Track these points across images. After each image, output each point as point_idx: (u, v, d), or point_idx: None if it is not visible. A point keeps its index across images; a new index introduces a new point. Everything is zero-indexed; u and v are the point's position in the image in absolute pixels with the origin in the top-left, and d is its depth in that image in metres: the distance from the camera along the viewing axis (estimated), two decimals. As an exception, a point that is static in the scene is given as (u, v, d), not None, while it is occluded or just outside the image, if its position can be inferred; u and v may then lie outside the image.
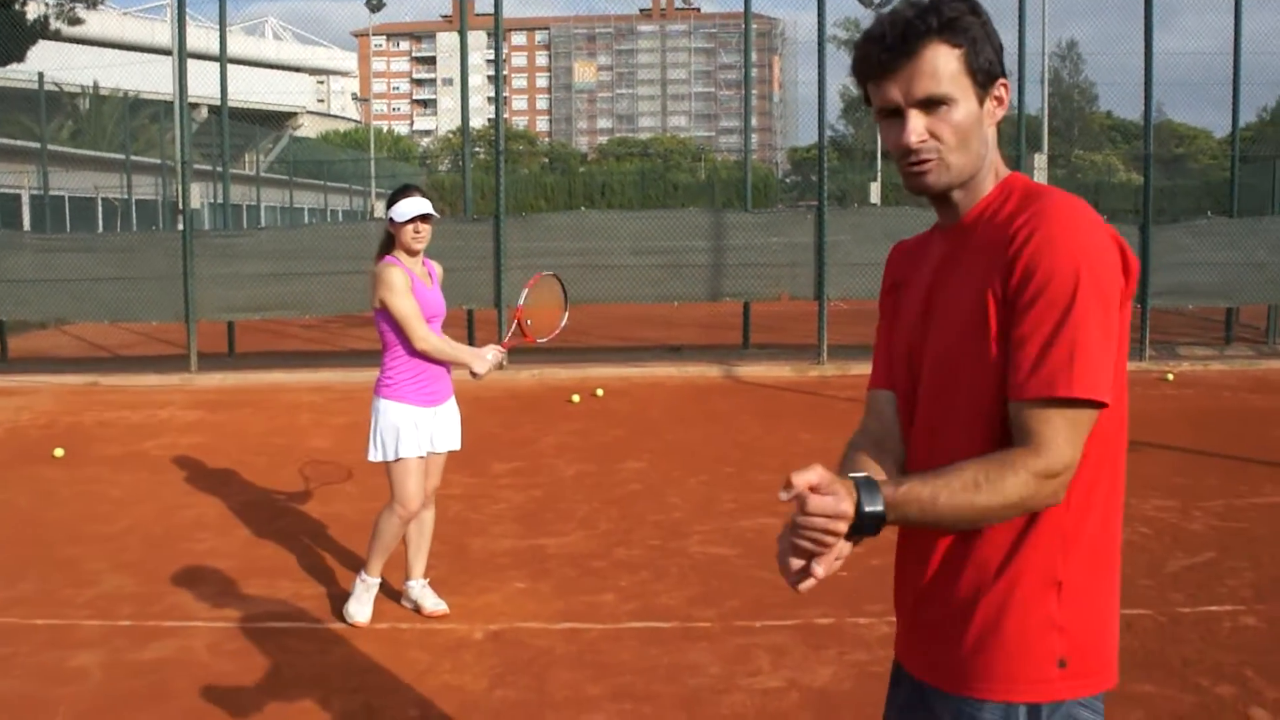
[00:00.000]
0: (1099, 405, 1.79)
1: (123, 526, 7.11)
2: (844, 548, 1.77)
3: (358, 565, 6.18)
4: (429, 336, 5.21)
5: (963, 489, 1.77)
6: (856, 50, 1.96)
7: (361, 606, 5.33)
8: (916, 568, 2.02)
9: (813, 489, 1.71)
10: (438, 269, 5.55)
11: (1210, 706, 4.38)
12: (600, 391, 11.83)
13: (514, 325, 5.47)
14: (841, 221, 14.18)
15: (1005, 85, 1.96)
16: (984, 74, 1.92)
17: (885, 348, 2.22)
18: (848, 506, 1.71)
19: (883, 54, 1.90)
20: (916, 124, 1.91)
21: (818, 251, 13.68)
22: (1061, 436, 1.77)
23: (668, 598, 5.69)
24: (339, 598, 5.69)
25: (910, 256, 2.18)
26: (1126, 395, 1.93)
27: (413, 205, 5.20)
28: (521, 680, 4.70)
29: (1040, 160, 17.72)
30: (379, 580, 5.40)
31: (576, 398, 11.46)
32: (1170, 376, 11.98)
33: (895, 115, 1.93)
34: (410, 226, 5.21)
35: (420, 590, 5.48)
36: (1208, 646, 4.96)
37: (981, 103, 1.93)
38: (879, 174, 46.38)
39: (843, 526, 1.71)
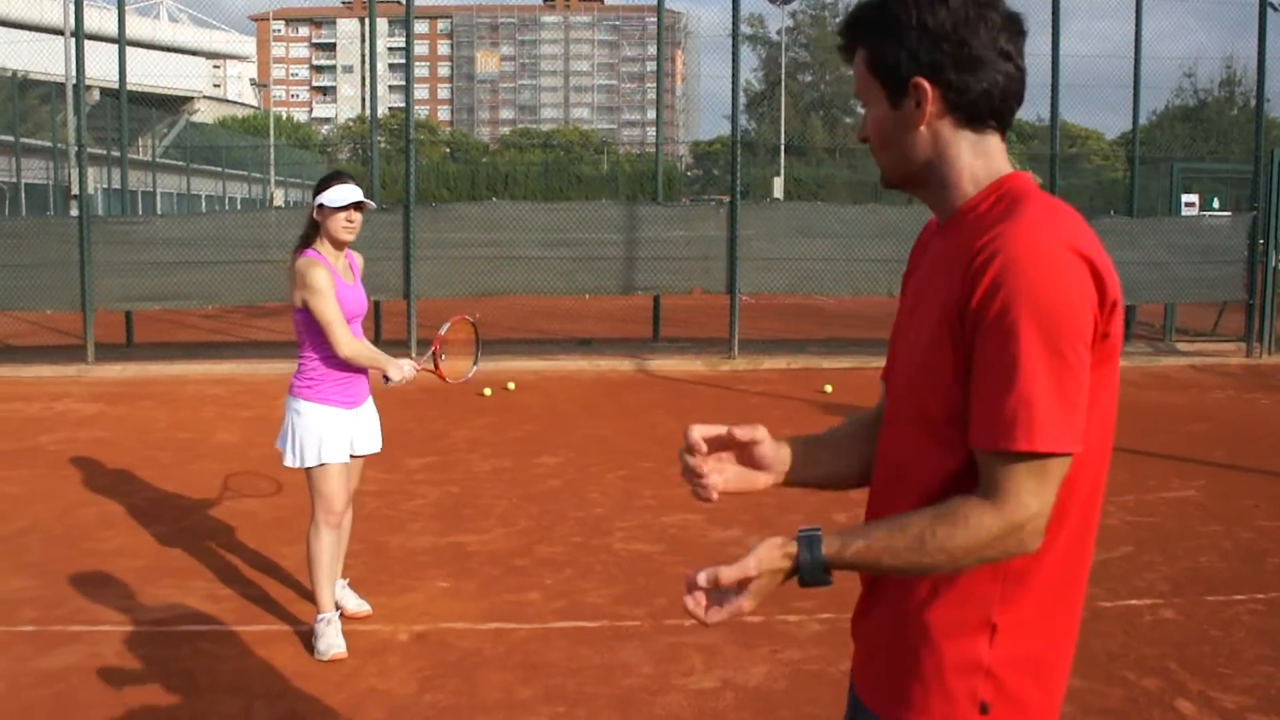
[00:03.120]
0: (1064, 456, 1.66)
1: (21, 526, 6.81)
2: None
3: (272, 565, 6.03)
4: (352, 342, 4.93)
5: (907, 549, 1.69)
6: None
7: (330, 641, 4.88)
8: (862, 580, 1.94)
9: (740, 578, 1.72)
10: (359, 261, 5.26)
11: (1138, 700, 4.44)
12: (511, 385, 11.71)
13: (430, 353, 5.24)
14: (751, 216, 14.20)
15: (920, 86, 1.79)
16: (890, 73, 1.81)
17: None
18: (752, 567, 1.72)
19: (842, 54, 1.93)
20: (863, 120, 1.92)
21: (730, 245, 13.69)
22: (1024, 489, 1.65)
23: (594, 596, 5.62)
24: (255, 599, 5.53)
25: (921, 246, 2.02)
26: (1112, 431, 1.81)
27: (346, 192, 4.90)
28: (450, 683, 4.59)
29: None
30: (336, 612, 5.03)
31: (488, 391, 11.32)
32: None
33: None
34: (343, 215, 4.91)
35: (341, 591, 5.32)
36: (1131, 640, 5.03)
37: (896, 105, 1.83)
38: (782, 169, 46.83)
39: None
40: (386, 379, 4.99)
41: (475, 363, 5.50)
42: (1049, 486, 1.66)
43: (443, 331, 5.24)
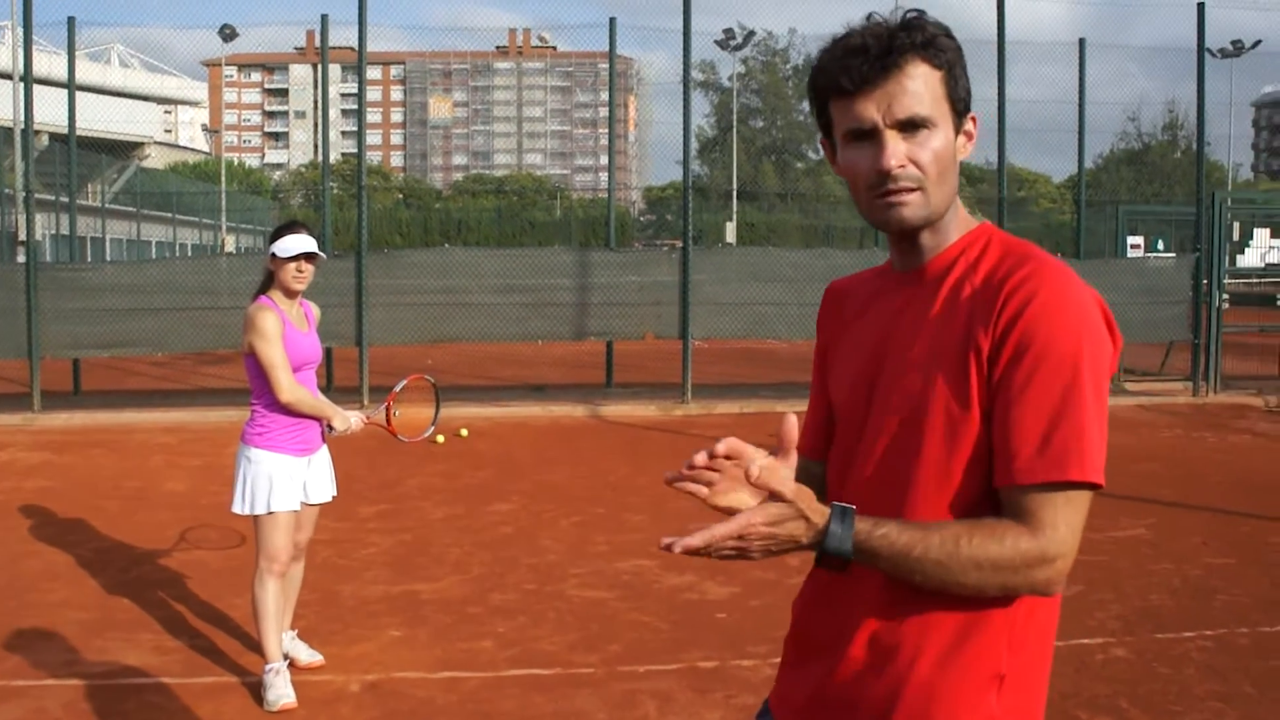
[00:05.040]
0: (1097, 489, 1.67)
1: (-37, 577, 6.70)
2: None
3: (221, 616, 5.96)
4: (294, 388, 4.88)
5: (940, 546, 1.64)
6: (825, 62, 1.77)
7: (280, 692, 4.80)
8: (832, 645, 1.84)
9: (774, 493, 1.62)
10: (315, 311, 5.28)
11: (1090, 742, 4.46)
12: (464, 431, 11.65)
13: (383, 409, 5.25)
14: (703, 261, 14.28)
15: (975, 121, 1.81)
16: (961, 102, 1.77)
17: (818, 408, 2.04)
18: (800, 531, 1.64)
19: (864, 66, 1.72)
20: (897, 146, 1.72)
21: (682, 291, 13.74)
22: (1064, 521, 1.64)
23: (547, 643, 5.58)
24: (204, 650, 5.45)
25: (852, 299, 2.01)
26: None
27: (297, 242, 4.91)
28: (402, 734, 4.54)
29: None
30: (284, 662, 4.96)
31: (440, 438, 11.24)
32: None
33: (866, 138, 1.75)
34: (293, 265, 4.92)
35: (291, 642, 5.25)
36: (1083, 679, 5.06)
37: (956, 133, 1.78)
38: (734, 214, 47.13)
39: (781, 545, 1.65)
40: (331, 428, 5.00)
41: (434, 423, 5.54)
42: (1082, 521, 1.67)
43: (397, 389, 5.25)
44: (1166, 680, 5.06)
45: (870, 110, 1.73)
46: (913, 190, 1.75)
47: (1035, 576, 1.65)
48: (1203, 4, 14.65)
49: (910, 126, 1.73)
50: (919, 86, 1.72)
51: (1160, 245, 17.54)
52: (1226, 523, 8.00)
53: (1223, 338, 14.90)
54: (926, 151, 1.74)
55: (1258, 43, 51.16)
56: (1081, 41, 15.15)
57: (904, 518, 1.72)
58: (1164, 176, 53.17)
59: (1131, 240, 16.72)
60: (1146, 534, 7.67)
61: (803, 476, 1.73)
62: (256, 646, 5.18)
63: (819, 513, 1.65)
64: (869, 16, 1.77)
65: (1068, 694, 4.87)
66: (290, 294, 5.02)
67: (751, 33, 56.43)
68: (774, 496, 1.63)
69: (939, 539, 1.64)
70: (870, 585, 1.76)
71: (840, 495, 1.84)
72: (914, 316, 1.81)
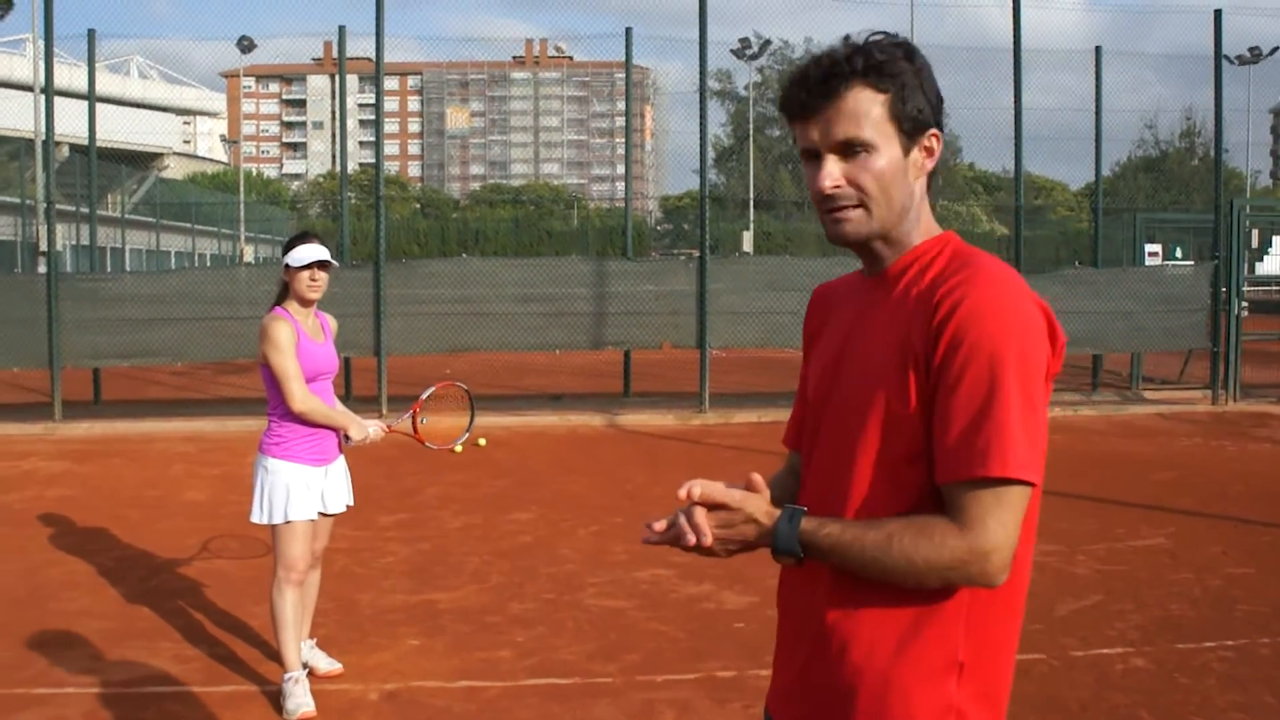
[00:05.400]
0: (1030, 485, 1.72)
1: (-15, 586, 6.73)
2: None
3: (240, 625, 5.98)
4: (307, 398, 4.90)
5: (875, 544, 1.74)
6: (782, 89, 1.90)
7: (299, 700, 4.81)
8: (801, 636, 1.94)
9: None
10: (331, 322, 5.28)
11: (1110, 753, 4.44)
12: (483, 441, 11.66)
13: (408, 416, 5.27)
14: (721, 270, 14.28)
15: (936, 136, 1.88)
16: (911, 122, 1.84)
17: (800, 404, 2.14)
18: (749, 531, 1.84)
19: (803, 94, 1.84)
20: (832, 169, 1.84)
21: (699, 300, 13.75)
22: (991, 517, 1.69)
23: (566, 653, 5.59)
24: (223, 659, 5.47)
25: (831, 301, 2.11)
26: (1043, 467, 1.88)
27: (309, 251, 4.95)
28: (421, 743, 4.55)
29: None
30: (303, 671, 4.98)
31: (459, 447, 11.25)
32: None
33: (816, 158, 1.87)
34: (306, 273, 4.95)
35: (310, 651, 5.27)
36: (1102, 689, 5.04)
37: (907, 152, 1.85)
38: (751, 223, 47.09)
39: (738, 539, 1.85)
40: (347, 438, 5.01)
41: (468, 429, 5.56)
42: (1014, 517, 1.72)
43: (424, 396, 5.26)
44: (1187, 691, 5.03)
45: (812, 134, 1.86)
46: (854, 207, 1.86)
47: (970, 571, 1.72)
48: (1220, 11, 14.63)
49: (848, 149, 1.84)
50: (857, 111, 1.82)
51: (1178, 253, 17.48)
52: (1247, 532, 7.95)
53: (1242, 345, 14.81)
54: (866, 173, 1.84)
55: (1275, 49, 50.89)
56: (1098, 49, 15.12)
57: (847, 510, 1.84)
58: (1182, 184, 52.98)
59: (1149, 248, 16.65)
60: (1166, 543, 7.64)
61: (788, 474, 2.12)
62: (275, 655, 5.20)
63: (768, 514, 1.82)
64: (846, 38, 1.87)
65: (1087, 704, 4.85)
66: (305, 303, 5.05)
67: (767, 42, 56.38)
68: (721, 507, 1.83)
69: (873, 537, 1.75)
70: (828, 578, 1.87)
71: (802, 487, 2.00)
72: (870, 318, 1.91)
